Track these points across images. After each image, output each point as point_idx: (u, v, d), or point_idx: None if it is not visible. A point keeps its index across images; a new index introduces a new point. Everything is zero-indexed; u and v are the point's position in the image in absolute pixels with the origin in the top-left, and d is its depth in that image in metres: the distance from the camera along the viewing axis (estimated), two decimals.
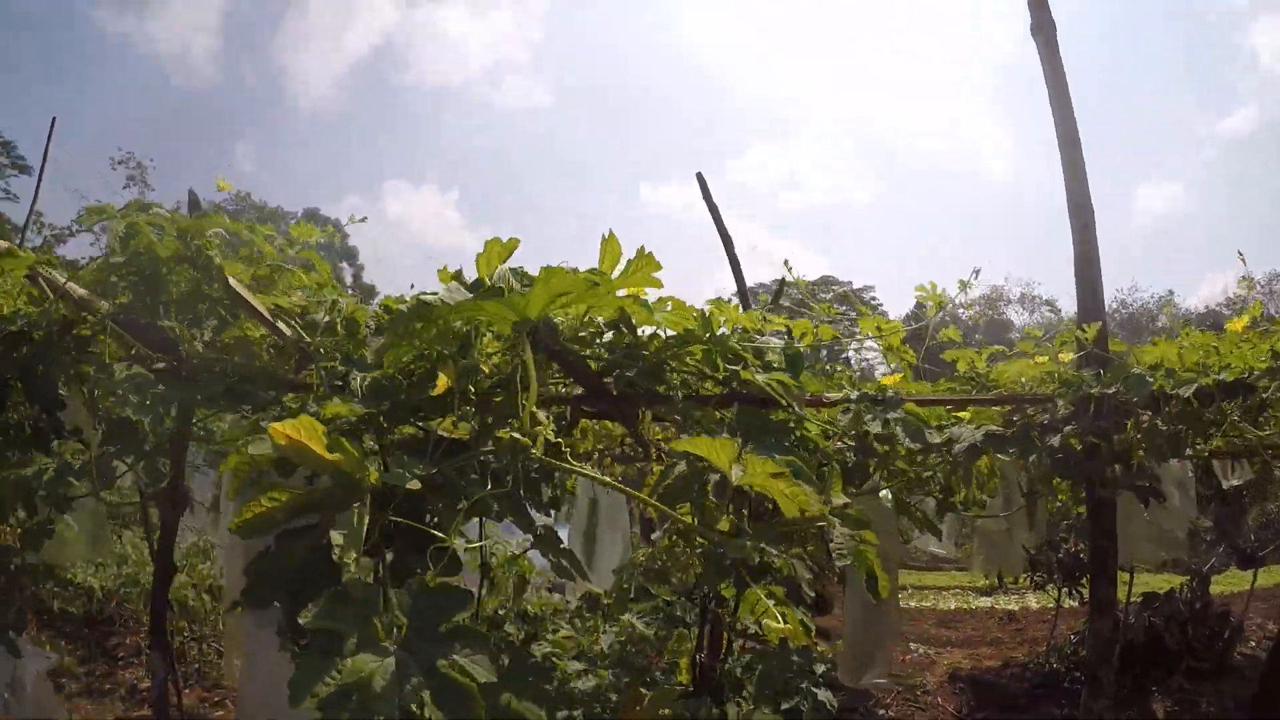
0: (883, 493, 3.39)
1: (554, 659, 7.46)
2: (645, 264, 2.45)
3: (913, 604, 13.04)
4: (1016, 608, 12.39)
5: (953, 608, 12.75)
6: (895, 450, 3.04)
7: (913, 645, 10.25)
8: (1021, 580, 9.65)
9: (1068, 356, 2.93)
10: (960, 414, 3.17)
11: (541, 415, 2.27)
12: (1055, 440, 2.78)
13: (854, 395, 2.77)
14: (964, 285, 2.96)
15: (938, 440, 2.64)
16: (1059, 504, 8.28)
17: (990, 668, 9.10)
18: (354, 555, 1.65)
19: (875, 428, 2.61)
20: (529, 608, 8.80)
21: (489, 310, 1.99)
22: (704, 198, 5.03)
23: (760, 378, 2.61)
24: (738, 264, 4.92)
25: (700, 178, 5.06)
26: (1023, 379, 3.01)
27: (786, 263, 3.50)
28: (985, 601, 12.94)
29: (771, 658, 4.09)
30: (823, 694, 6.83)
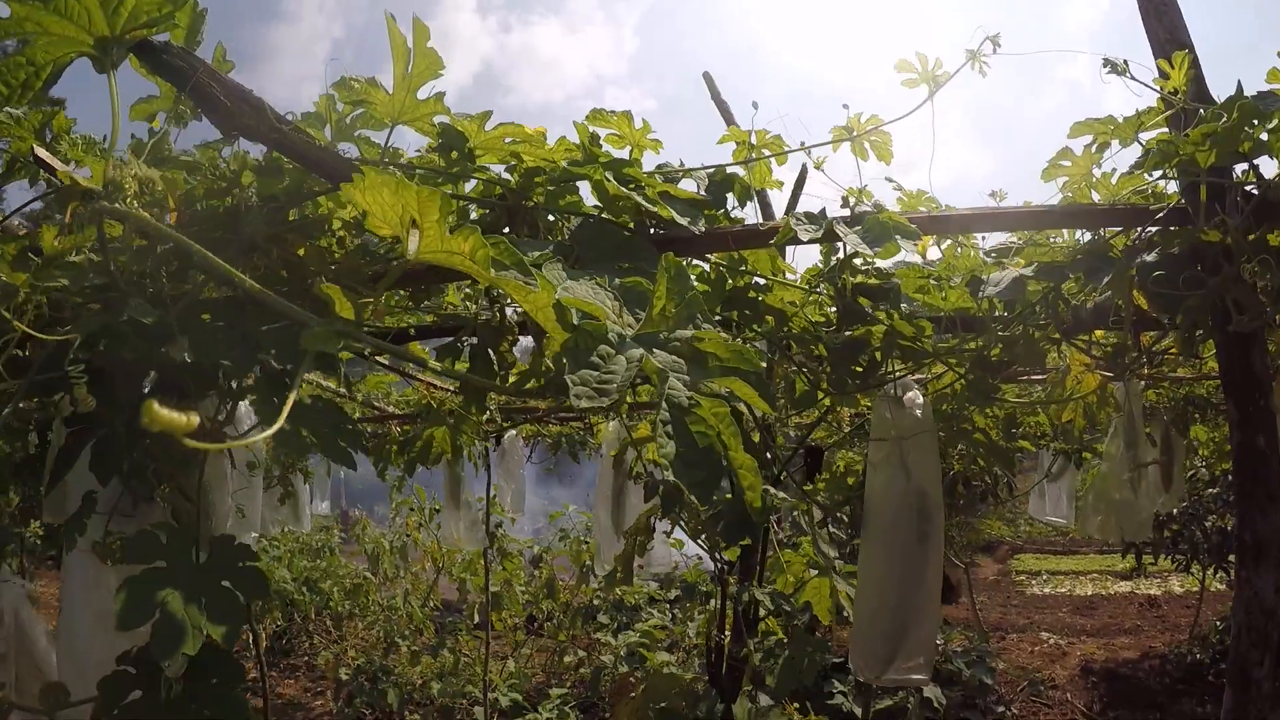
0: (910, 394, 2.17)
1: (641, 649, 6.42)
2: (423, 55, 1.45)
3: (1047, 590, 11.27)
4: (1159, 592, 10.47)
5: (1089, 593, 10.91)
6: (898, 315, 1.84)
7: (1044, 635, 8.65)
8: (1163, 561, 7.94)
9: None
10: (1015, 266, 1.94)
11: (148, 172, 1.25)
12: (1150, 255, 1.53)
13: (800, 216, 1.61)
14: (974, 56, 1.74)
15: (910, 250, 1.44)
16: (1203, 464, 6.63)
17: (1127, 659, 7.44)
18: None
19: (806, 234, 1.44)
20: (624, 597, 7.79)
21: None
22: (713, 98, 4.01)
23: (619, 189, 1.49)
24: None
25: (707, 77, 4.04)
26: (1096, 187, 1.76)
27: (803, 142, 2.32)
28: (1125, 586, 11.01)
29: (798, 643, 2.86)
30: (930, 690, 5.48)
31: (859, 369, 1.95)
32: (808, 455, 2.29)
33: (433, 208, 0.94)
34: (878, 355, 1.93)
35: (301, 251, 1.75)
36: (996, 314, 1.88)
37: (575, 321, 1.02)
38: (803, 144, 1.82)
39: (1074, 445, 4.03)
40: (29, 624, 2.94)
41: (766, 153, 1.99)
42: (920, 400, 2.11)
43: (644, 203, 1.47)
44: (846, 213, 1.65)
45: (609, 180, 1.51)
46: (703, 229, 1.51)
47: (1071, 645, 8.19)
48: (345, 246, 1.74)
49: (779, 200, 2.95)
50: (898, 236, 1.41)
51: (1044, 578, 11.87)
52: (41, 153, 1.80)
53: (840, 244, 1.51)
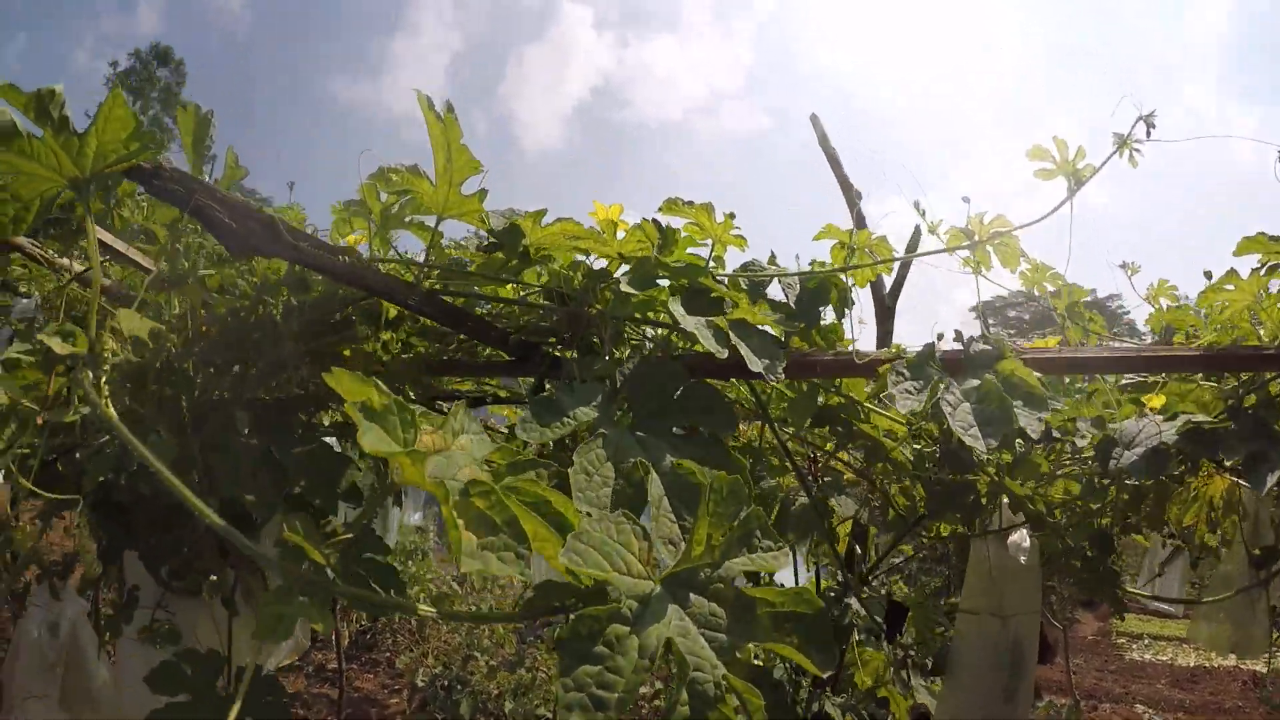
0: (1015, 535, 1.84)
1: None
2: (459, 153, 1.24)
3: (1147, 655, 10.43)
4: (1263, 669, 9.55)
5: (1191, 664, 10.04)
6: (1002, 461, 1.53)
7: (1139, 708, 7.96)
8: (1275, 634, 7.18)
9: None
10: (1151, 401, 1.60)
11: (136, 327, 1.08)
12: None
13: (906, 352, 1.31)
14: (1124, 143, 1.42)
15: (1039, 421, 1.12)
16: None
17: None
18: None
19: (906, 402, 1.15)
20: None
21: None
22: (820, 144, 3.70)
23: (688, 322, 1.22)
24: (863, 221, 3.45)
25: (814, 120, 3.74)
26: (1259, 317, 1.41)
27: (918, 205, 2.01)
28: (1230, 659, 10.11)
29: None
30: None
31: (961, 509, 1.64)
32: (891, 610, 1.99)
33: (405, 463, 0.71)
34: (983, 499, 1.62)
35: (347, 353, 1.57)
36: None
37: (593, 567, 0.77)
38: (947, 235, 1.52)
39: (1193, 547, 3.55)
40: (83, 638, 2.99)
41: (869, 254, 1.70)
42: (1027, 544, 1.78)
43: (714, 348, 1.20)
44: (958, 347, 1.35)
45: (676, 312, 1.25)
46: (781, 374, 1.23)
47: None
48: (390, 350, 1.55)
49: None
50: (1020, 405, 1.11)
51: (1145, 642, 11.00)
52: (104, 235, 1.66)
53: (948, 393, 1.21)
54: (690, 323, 1.22)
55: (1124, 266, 2.32)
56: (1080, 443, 1.39)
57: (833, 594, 2.45)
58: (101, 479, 1.21)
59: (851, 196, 3.45)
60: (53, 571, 3.00)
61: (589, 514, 0.98)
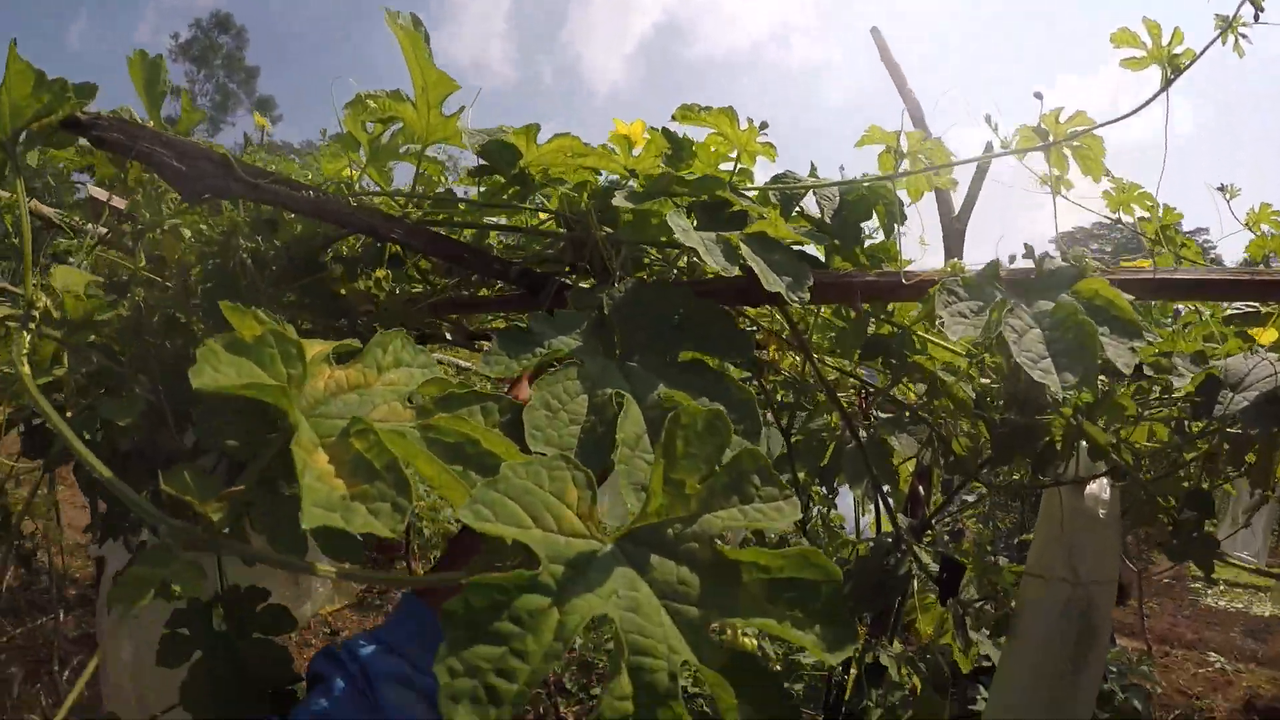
0: (1094, 483, 1.57)
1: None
2: (430, 73, 1.01)
3: (1222, 603, 9.87)
4: None
5: (1267, 614, 9.45)
6: (1081, 402, 1.25)
7: (1211, 656, 7.52)
8: None
9: None
10: (1261, 336, 1.31)
11: (70, 281, 0.91)
12: None
13: (964, 271, 1.05)
14: (1232, 24, 1.13)
15: (1131, 352, 0.86)
16: None
17: None
18: None
19: (958, 329, 0.89)
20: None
21: None
22: (882, 58, 3.38)
23: (690, 237, 0.98)
24: (923, 124, 3.14)
25: (876, 33, 3.41)
26: None
27: (990, 118, 1.71)
28: None
29: (924, 703, 2.29)
30: None
31: (1031, 454, 1.38)
32: (945, 568, 1.74)
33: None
34: (1057, 444, 1.35)
35: (342, 291, 1.38)
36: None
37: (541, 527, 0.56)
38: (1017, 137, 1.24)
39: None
40: None
41: (923, 159, 1.42)
42: (1106, 495, 1.51)
43: (720, 264, 0.97)
44: (1029, 264, 1.09)
45: (675, 224, 1.01)
46: (805, 295, 0.99)
47: (1239, 673, 7.07)
48: (383, 288, 1.35)
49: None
50: (1107, 333, 0.85)
51: (1221, 587, 10.42)
52: (96, 191, 1.50)
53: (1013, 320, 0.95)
54: (694, 237, 0.98)
55: (1222, 189, 2.00)
56: (1178, 383, 1.12)
57: (889, 540, 2.21)
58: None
59: (917, 111, 3.13)
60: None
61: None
